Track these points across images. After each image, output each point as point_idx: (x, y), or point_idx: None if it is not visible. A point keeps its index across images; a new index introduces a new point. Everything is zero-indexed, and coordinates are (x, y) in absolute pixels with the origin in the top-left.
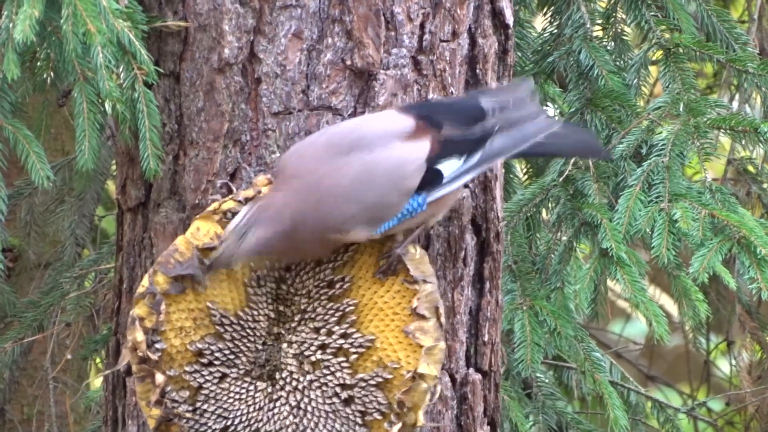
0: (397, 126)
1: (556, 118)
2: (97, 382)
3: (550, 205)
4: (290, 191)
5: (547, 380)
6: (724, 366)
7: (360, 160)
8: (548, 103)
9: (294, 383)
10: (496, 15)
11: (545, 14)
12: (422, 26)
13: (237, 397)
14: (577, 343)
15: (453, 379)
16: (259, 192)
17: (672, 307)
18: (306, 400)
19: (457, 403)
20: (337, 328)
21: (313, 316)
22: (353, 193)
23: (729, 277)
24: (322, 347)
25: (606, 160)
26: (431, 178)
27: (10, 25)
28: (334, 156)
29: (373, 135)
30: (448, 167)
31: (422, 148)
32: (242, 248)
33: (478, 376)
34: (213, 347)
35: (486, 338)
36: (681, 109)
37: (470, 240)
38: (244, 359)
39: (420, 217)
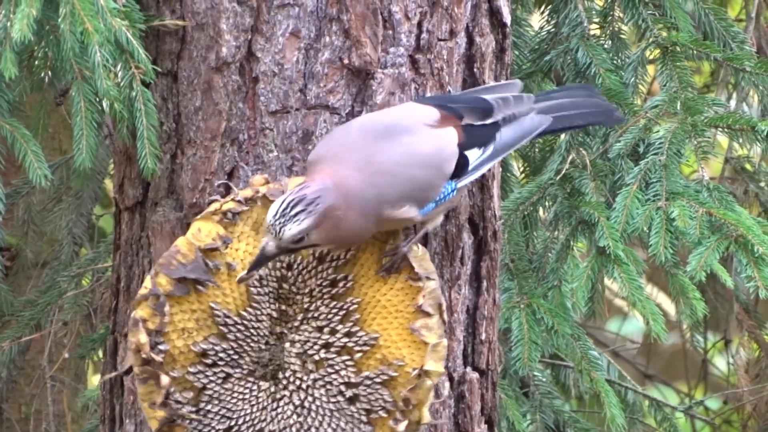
0: (425, 114)
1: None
2: (94, 380)
3: (547, 203)
4: (340, 169)
5: (544, 379)
6: (721, 364)
7: (403, 141)
8: None
9: (297, 382)
10: (494, 14)
11: (542, 13)
12: (420, 25)
13: (240, 397)
14: (575, 341)
15: (451, 378)
16: (257, 192)
17: (669, 306)
18: (310, 399)
19: (454, 401)
20: (340, 326)
21: (316, 315)
22: (406, 170)
23: (726, 275)
24: (326, 346)
25: (620, 122)
26: (462, 164)
27: (8, 23)
28: (374, 139)
29: (405, 122)
30: (472, 156)
31: (452, 134)
32: (288, 235)
33: (475, 375)
34: (217, 347)
35: (483, 337)
36: (678, 107)
37: (467, 239)
38: (247, 359)
39: (449, 203)
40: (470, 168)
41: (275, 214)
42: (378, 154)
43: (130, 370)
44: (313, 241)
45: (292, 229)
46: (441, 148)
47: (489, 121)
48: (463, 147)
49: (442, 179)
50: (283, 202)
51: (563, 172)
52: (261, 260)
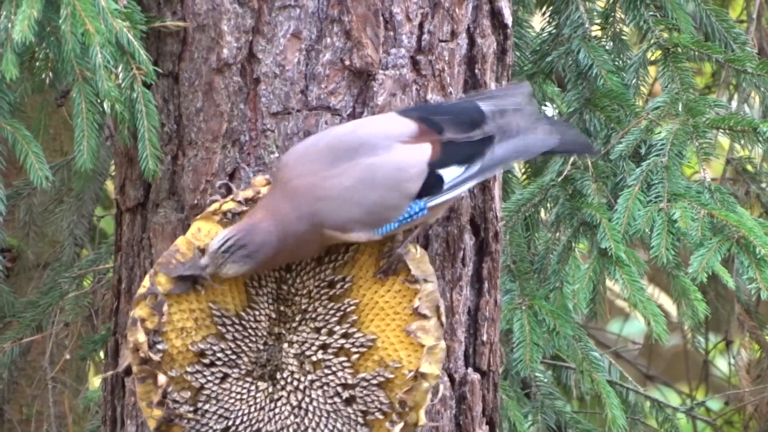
0: (399, 129)
1: (555, 116)
2: (96, 382)
3: (548, 204)
4: (286, 195)
5: (545, 380)
6: (722, 365)
7: (362, 164)
8: (547, 103)
9: (295, 383)
10: (495, 15)
11: (544, 14)
12: (421, 26)
13: (238, 397)
14: (576, 342)
15: (452, 379)
16: (258, 192)
17: (671, 307)
18: (307, 400)
19: (455, 402)
20: (338, 327)
21: (314, 316)
22: (355, 195)
23: (728, 276)
24: (323, 347)
25: (595, 155)
26: (433, 183)
27: (9, 25)
28: (335, 160)
29: (374, 138)
30: (449, 174)
31: (424, 151)
32: (227, 272)
33: (476, 376)
34: (215, 347)
35: (485, 338)
36: (680, 108)
37: (469, 240)
38: (245, 359)
39: (420, 220)
40: (447, 186)
41: (219, 248)
42: (333, 178)
43: (130, 370)
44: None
45: (231, 269)
46: (403, 169)
47: (477, 135)
48: (436, 165)
49: (405, 199)
50: (228, 239)
51: (565, 173)
52: (193, 277)
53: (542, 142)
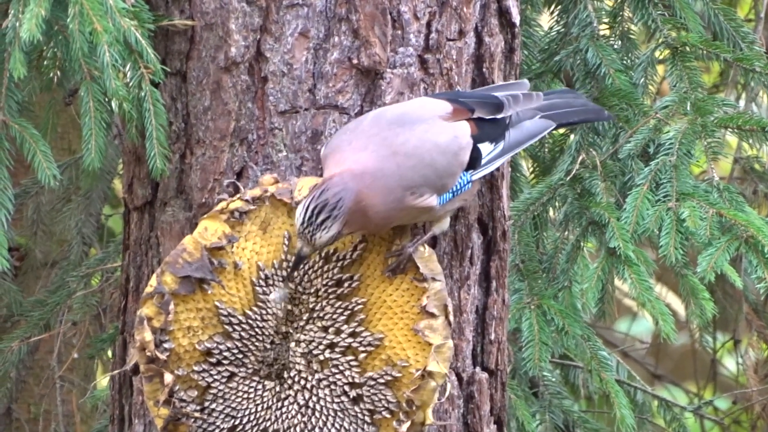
0: (437, 107)
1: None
2: (103, 381)
3: (557, 204)
4: (358, 157)
5: (553, 379)
6: (730, 364)
7: (419, 129)
8: None
9: (302, 382)
10: (503, 14)
11: (552, 13)
12: (429, 25)
13: (245, 396)
14: (584, 341)
15: (460, 378)
16: (266, 191)
17: (679, 306)
18: (314, 398)
19: (463, 401)
20: (345, 326)
21: (321, 314)
22: (425, 154)
23: (735, 275)
24: (331, 346)
25: (609, 120)
26: (475, 156)
27: (17, 24)
28: (389, 126)
29: (420, 112)
30: (485, 149)
31: (466, 126)
32: (322, 240)
33: (484, 375)
34: (221, 346)
35: (492, 337)
36: (688, 107)
37: (477, 239)
38: (252, 358)
39: (463, 196)
40: (483, 162)
41: (303, 223)
42: (395, 138)
43: (137, 369)
44: (345, 234)
45: (322, 237)
46: (457, 137)
47: (500, 116)
48: (476, 139)
49: (459, 167)
50: (306, 210)
51: (573, 172)
52: (298, 262)
53: (541, 126)
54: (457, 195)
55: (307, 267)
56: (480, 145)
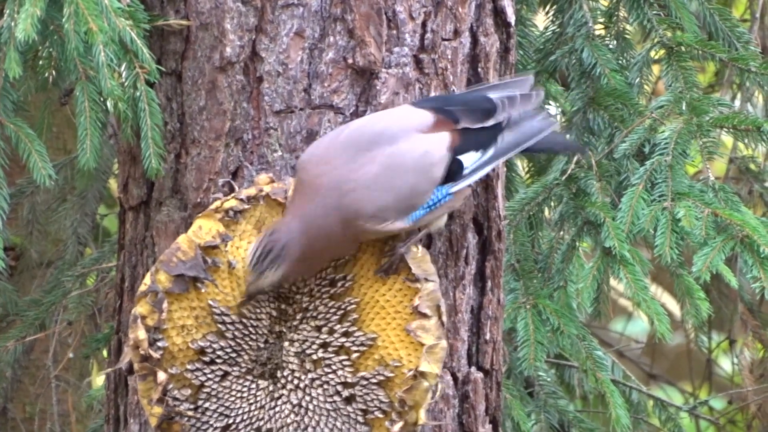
0: (416, 119)
1: (557, 117)
2: (99, 380)
3: (552, 203)
4: (309, 194)
5: (549, 379)
6: (726, 364)
7: (386, 152)
8: (550, 102)
9: (295, 381)
10: (498, 13)
11: (547, 13)
12: (424, 25)
13: (238, 395)
14: (580, 341)
15: (455, 378)
16: (261, 191)
17: (674, 306)
18: (307, 398)
19: (458, 401)
20: (338, 326)
21: (314, 314)
22: (386, 182)
23: (731, 275)
24: (324, 345)
25: (582, 153)
26: (455, 169)
27: (12, 23)
28: (357, 152)
29: (393, 129)
30: (468, 159)
31: (444, 139)
32: (266, 283)
33: (479, 375)
34: (215, 345)
35: (488, 337)
36: (684, 107)
37: (472, 238)
38: (245, 357)
39: (444, 208)
40: (467, 171)
41: (252, 263)
42: (360, 169)
43: (133, 368)
44: (295, 277)
45: (268, 278)
46: (428, 153)
47: (491, 121)
48: (456, 151)
49: (431, 185)
50: (256, 251)
51: (569, 172)
52: (252, 297)
53: (540, 127)
54: (436, 208)
55: None
56: (463, 156)
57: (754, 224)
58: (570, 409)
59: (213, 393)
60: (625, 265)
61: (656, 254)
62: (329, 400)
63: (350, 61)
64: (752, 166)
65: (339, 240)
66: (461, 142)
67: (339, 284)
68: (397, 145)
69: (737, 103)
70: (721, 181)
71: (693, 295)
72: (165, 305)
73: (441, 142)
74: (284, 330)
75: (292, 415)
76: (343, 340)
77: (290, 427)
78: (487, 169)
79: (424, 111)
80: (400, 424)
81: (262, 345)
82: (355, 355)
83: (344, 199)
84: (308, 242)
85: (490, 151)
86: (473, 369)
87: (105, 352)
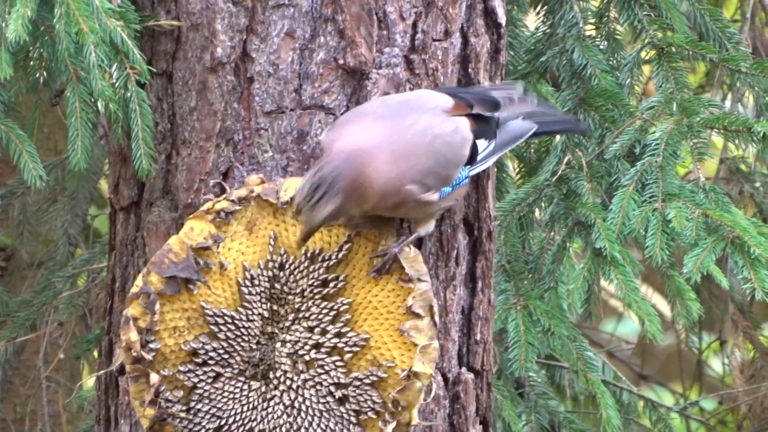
0: (439, 99)
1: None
2: (90, 381)
3: (543, 204)
4: (358, 138)
5: (539, 379)
6: (716, 365)
7: (423, 118)
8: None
9: (288, 382)
10: (489, 14)
11: (538, 13)
12: (414, 25)
13: (231, 396)
14: (570, 342)
15: (445, 379)
16: (252, 191)
17: (665, 307)
18: (300, 399)
19: (449, 402)
20: (331, 327)
21: (307, 315)
22: (432, 146)
23: (722, 276)
24: (316, 346)
25: (583, 133)
26: (473, 152)
27: (3, 24)
28: (393, 116)
29: (422, 102)
30: (481, 145)
31: (466, 121)
32: (320, 216)
33: (470, 375)
34: (207, 347)
35: (478, 337)
36: (674, 108)
37: (462, 239)
38: (238, 359)
39: (455, 194)
40: (479, 158)
41: (301, 201)
42: (404, 119)
43: (124, 369)
44: (346, 213)
45: (321, 214)
46: (458, 130)
47: (495, 115)
48: (474, 135)
49: (462, 160)
50: (304, 188)
51: (559, 173)
52: (308, 234)
53: (523, 128)
54: (455, 189)
55: (292, 267)
56: (477, 141)
57: (745, 225)
58: (561, 410)
59: (205, 394)
60: (616, 265)
61: (647, 255)
62: (322, 400)
63: (341, 61)
64: (743, 167)
65: (392, 190)
66: (477, 128)
67: (331, 285)
68: (432, 113)
69: (728, 103)
70: (712, 182)
71: (684, 296)
72: (157, 307)
73: (466, 124)
74: (276, 331)
75: (285, 416)
76: (335, 340)
77: (283, 428)
78: (491, 162)
79: (443, 94)
80: (393, 424)
81: (254, 346)
82: (347, 355)
83: (405, 135)
84: (356, 177)
85: (493, 144)
86: (464, 370)
87: (96, 353)
